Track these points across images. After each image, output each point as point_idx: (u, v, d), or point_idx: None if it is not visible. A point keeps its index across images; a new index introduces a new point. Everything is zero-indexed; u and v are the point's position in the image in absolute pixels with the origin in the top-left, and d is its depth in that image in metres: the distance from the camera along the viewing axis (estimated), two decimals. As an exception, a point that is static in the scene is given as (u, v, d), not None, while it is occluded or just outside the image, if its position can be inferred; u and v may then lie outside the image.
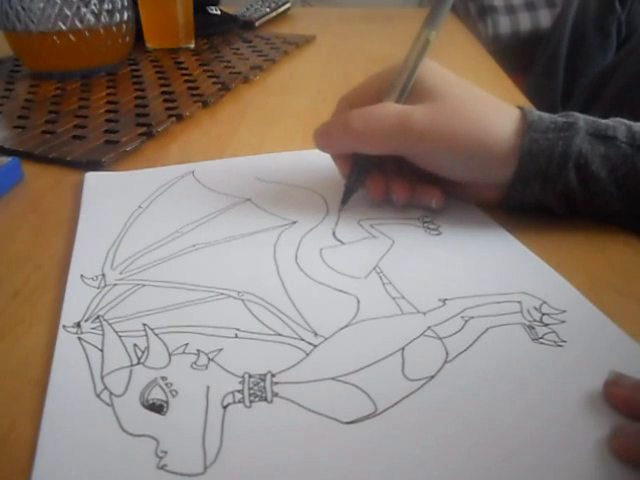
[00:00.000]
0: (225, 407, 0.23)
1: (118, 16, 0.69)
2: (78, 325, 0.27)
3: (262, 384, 0.24)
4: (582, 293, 0.29)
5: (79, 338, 0.26)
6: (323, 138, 0.37)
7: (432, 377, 0.24)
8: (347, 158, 0.38)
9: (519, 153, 0.34)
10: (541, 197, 0.35)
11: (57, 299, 0.29)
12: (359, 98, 0.37)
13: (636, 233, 0.35)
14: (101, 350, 0.26)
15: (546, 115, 0.35)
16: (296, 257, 0.33)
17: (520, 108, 0.36)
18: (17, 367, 0.25)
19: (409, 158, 0.36)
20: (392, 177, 0.38)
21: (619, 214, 0.35)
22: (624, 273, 0.32)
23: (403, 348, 0.26)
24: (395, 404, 0.23)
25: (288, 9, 1.14)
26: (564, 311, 0.28)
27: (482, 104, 0.35)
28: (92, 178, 0.42)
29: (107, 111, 0.57)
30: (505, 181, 0.35)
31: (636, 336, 0.26)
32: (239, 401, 0.23)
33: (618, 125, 0.35)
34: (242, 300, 0.29)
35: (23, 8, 0.64)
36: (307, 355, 0.25)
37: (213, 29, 0.93)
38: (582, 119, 0.35)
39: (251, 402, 0.23)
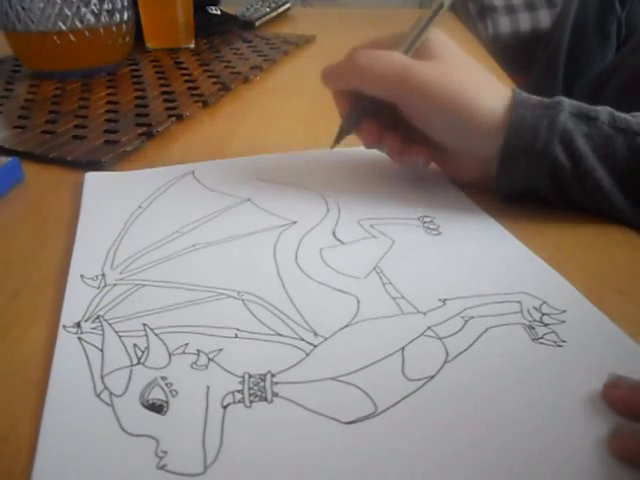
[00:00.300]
0: (225, 407, 0.23)
1: (118, 16, 0.69)
2: (78, 325, 0.27)
3: (262, 384, 0.24)
4: (582, 293, 0.29)
5: (79, 338, 0.26)
6: (329, 72, 0.39)
7: (432, 377, 0.24)
8: (348, 98, 0.39)
9: (506, 127, 0.35)
10: (529, 176, 0.36)
11: (57, 299, 0.29)
12: (371, 46, 0.39)
13: (633, 225, 0.36)
14: (101, 350, 0.26)
15: (534, 96, 0.37)
16: (296, 257, 0.33)
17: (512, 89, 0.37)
18: (17, 367, 0.25)
19: (403, 109, 0.37)
20: (386, 130, 0.39)
21: (610, 198, 0.35)
22: (624, 273, 0.32)
23: (403, 348, 0.26)
24: (395, 404, 0.23)
25: (288, 9, 1.14)
26: (564, 311, 0.28)
27: (478, 75, 0.37)
28: (92, 178, 0.42)
29: (107, 111, 0.57)
30: (490, 155, 0.36)
31: (636, 336, 0.26)
32: (239, 401, 0.23)
33: (601, 109, 0.36)
34: (242, 300, 0.29)
35: (23, 8, 0.64)
36: (307, 355, 0.25)
37: (213, 29, 0.93)
38: (567, 101, 0.36)
39: (251, 402, 0.23)
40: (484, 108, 0.35)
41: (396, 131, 0.39)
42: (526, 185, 0.36)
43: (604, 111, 0.36)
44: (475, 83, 0.36)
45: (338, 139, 0.40)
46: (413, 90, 0.36)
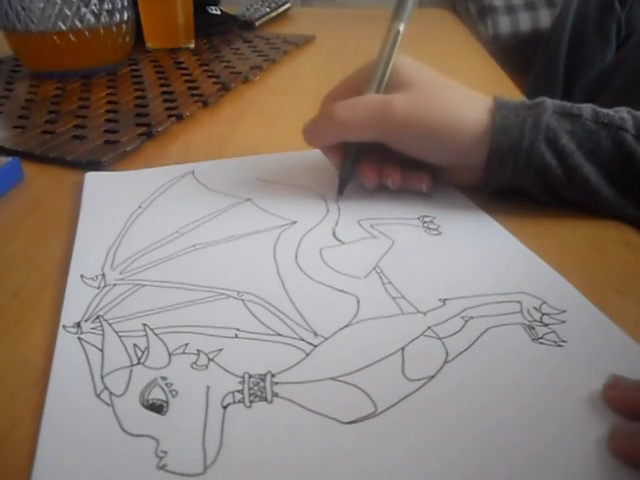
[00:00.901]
0: (225, 407, 0.23)
1: (118, 16, 0.69)
2: (78, 325, 0.27)
3: (262, 384, 0.24)
4: (582, 293, 0.29)
5: (79, 338, 0.26)
6: (311, 132, 0.40)
7: (432, 377, 0.24)
8: (337, 150, 0.40)
9: (491, 130, 0.36)
10: (517, 175, 0.36)
11: (57, 299, 0.29)
12: (342, 94, 0.39)
13: (623, 217, 0.36)
14: (101, 350, 0.26)
15: (516, 99, 0.38)
16: (296, 257, 0.33)
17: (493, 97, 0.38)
18: (17, 367, 0.25)
19: (391, 144, 0.38)
20: (383, 164, 0.40)
21: (599, 192, 0.36)
22: (624, 273, 0.32)
23: (403, 348, 0.26)
24: (395, 404, 0.23)
25: (288, 9, 1.14)
26: (564, 311, 0.28)
27: (455, 92, 0.38)
28: (92, 178, 0.42)
29: (107, 111, 0.57)
30: (481, 162, 0.37)
31: (636, 336, 0.26)
32: (239, 401, 0.23)
33: (584, 106, 0.36)
34: (242, 300, 0.29)
35: (23, 8, 0.64)
36: (307, 355, 0.25)
37: (213, 29, 0.93)
38: (549, 100, 0.37)
39: (251, 402, 0.23)
40: (467, 122, 0.36)
41: (393, 163, 0.40)
42: (513, 184, 0.37)
43: (587, 108, 0.36)
44: (454, 100, 0.37)
45: (341, 190, 0.39)
46: (397, 125, 0.36)
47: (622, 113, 0.36)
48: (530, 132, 0.35)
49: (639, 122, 0.35)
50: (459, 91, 0.38)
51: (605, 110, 0.36)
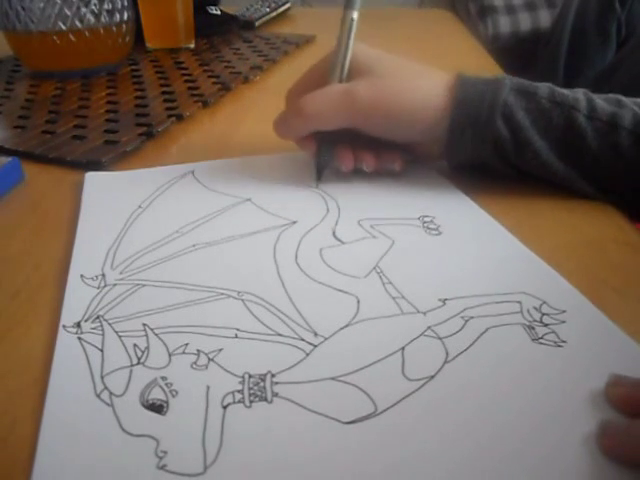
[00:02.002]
0: (225, 407, 0.23)
1: (118, 16, 0.69)
2: (78, 325, 0.27)
3: (262, 384, 0.24)
4: (582, 293, 0.29)
5: (79, 338, 0.26)
6: (281, 126, 0.42)
7: (432, 377, 0.24)
8: (310, 139, 0.41)
9: (452, 105, 0.38)
10: (475, 148, 0.38)
11: (57, 299, 0.29)
12: (305, 86, 0.41)
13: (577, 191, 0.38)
14: (101, 350, 0.26)
15: (476, 75, 0.40)
16: (296, 257, 0.33)
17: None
18: (17, 367, 0.25)
19: (360, 128, 0.40)
20: (357, 148, 0.41)
21: (549, 167, 0.38)
22: (624, 273, 0.32)
23: (403, 348, 0.26)
24: (395, 404, 0.23)
25: (288, 9, 1.14)
26: (564, 311, 0.28)
27: (413, 72, 0.40)
28: (92, 178, 0.42)
29: (107, 111, 0.57)
30: (445, 135, 0.39)
31: (636, 336, 0.26)
32: (239, 401, 0.23)
33: (540, 84, 0.38)
34: (242, 300, 0.29)
35: (23, 8, 0.64)
36: (307, 355, 0.25)
37: (213, 29, 0.92)
38: (508, 78, 0.39)
39: (251, 402, 0.23)
40: (427, 99, 0.38)
41: (366, 147, 0.41)
42: (474, 156, 0.39)
43: (543, 87, 0.38)
44: (414, 80, 0.39)
45: (319, 175, 0.41)
46: (362, 112, 0.38)
47: (577, 94, 0.38)
48: (487, 107, 0.37)
49: (591, 103, 0.37)
50: (416, 70, 0.40)
51: (561, 90, 0.38)
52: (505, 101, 0.37)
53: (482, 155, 0.39)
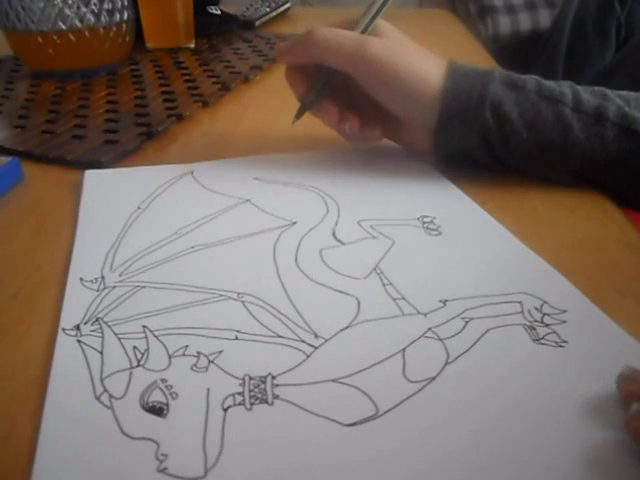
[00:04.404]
0: (225, 409, 0.23)
1: (118, 16, 0.68)
2: (77, 328, 0.27)
3: (262, 386, 0.24)
4: (583, 293, 0.29)
5: (78, 341, 0.26)
6: (289, 47, 0.42)
7: (433, 378, 0.24)
8: (302, 75, 0.42)
9: (443, 93, 0.39)
10: (461, 138, 0.40)
11: (57, 299, 0.29)
12: None
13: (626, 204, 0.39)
14: (101, 352, 0.26)
15: (468, 65, 0.41)
16: (296, 258, 0.33)
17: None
18: (17, 367, 0.25)
19: (359, 79, 0.40)
20: (343, 109, 0.42)
21: (531, 158, 0.39)
22: (625, 273, 0.32)
23: (404, 349, 0.26)
24: (396, 406, 0.23)
25: (288, 9, 1.14)
26: (565, 311, 0.28)
27: (418, 51, 0.41)
28: (92, 176, 0.42)
29: (107, 111, 0.57)
30: (432, 123, 0.40)
31: (637, 336, 0.26)
32: (239, 403, 0.23)
33: (529, 79, 0.39)
34: (242, 302, 0.29)
35: (23, 8, 0.64)
36: (307, 357, 0.25)
37: (213, 29, 0.92)
38: (498, 70, 0.40)
39: (252, 404, 0.23)
40: (428, 77, 0.39)
41: (353, 110, 0.42)
42: (460, 147, 0.40)
43: (531, 80, 0.39)
44: (417, 56, 0.40)
45: (299, 114, 0.43)
46: (369, 64, 0.39)
47: (563, 87, 0.39)
48: (477, 98, 0.38)
49: (577, 96, 0.38)
50: (422, 52, 0.41)
51: (548, 83, 0.39)
52: (494, 93, 0.38)
53: (467, 145, 0.40)
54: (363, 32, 0.41)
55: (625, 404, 0.22)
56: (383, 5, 0.41)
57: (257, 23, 1.00)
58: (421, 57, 0.40)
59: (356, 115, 0.42)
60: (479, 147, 0.40)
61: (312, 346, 0.26)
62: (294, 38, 0.42)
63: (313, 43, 0.40)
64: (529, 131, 0.38)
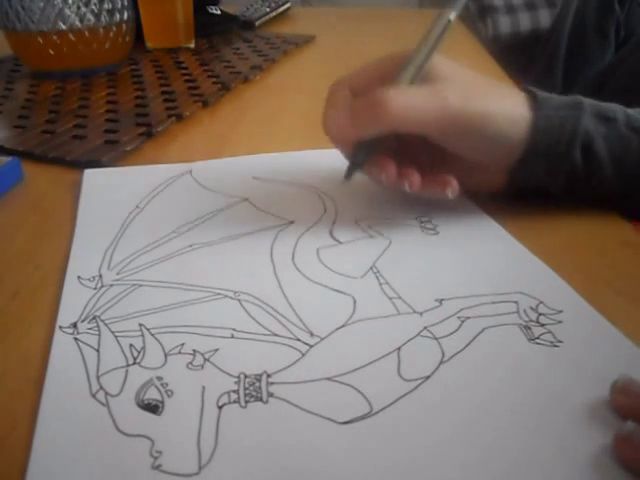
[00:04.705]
0: (220, 407, 0.23)
1: (118, 16, 0.69)
2: (74, 326, 0.27)
3: (258, 384, 0.24)
4: (581, 293, 0.29)
5: (75, 338, 0.26)
6: (349, 120, 0.34)
7: (428, 377, 0.24)
8: (347, 129, 0.35)
9: (532, 129, 0.34)
10: (546, 177, 0.36)
11: (57, 299, 0.30)
12: (362, 82, 0.36)
13: (628, 215, 0.37)
14: (97, 350, 0.26)
15: (553, 95, 0.36)
16: (293, 257, 0.33)
17: (523, 91, 0.37)
18: (17, 367, 0.25)
19: (438, 138, 0.34)
20: (399, 161, 0.35)
21: (610, 194, 0.37)
22: (622, 273, 0.32)
23: (399, 348, 0.26)
24: (390, 404, 0.23)
25: (288, 9, 1.14)
26: (561, 311, 0.28)
27: (491, 86, 0.36)
28: (91, 175, 0.42)
29: (107, 111, 0.57)
30: (513, 163, 0.36)
31: (633, 336, 0.26)
32: (234, 401, 0.23)
33: (617, 109, 0.36)
34: (238, 300, 0.29)
35: (23, 8, 0.64)
36: (303, 355, 0.25)
37: (213, 29, 0.93)
38: (586, 100, 0.36)
39: (246, 402, 0.23)
40: (514, 116, 0.34)
41: (407, 161, 0.36)
42: (540, 184, 0.36)
43: (620, 111, 0.36)
44: (497, 95, 0.35)
45: (349, 174, 0.35)
46: (452, 119, 0.33)
47: None
48: (568, 136, 0.35)
49: None
50: (495, 86, 0.36)
51: (632, 112, 0.36)
52: (586, 129, 0.35)
53: (550, 184, 0.36)
54: (414, 78, 0.34)
55: (620, 415, 0.22)
56: (438, 39, 0.35)
57: (257, 23, 1.00)
58: (501, 94, 0.36)
59: (413, 169, 0.35)
60: (559, 186, 0.36)
61: (307, 344, 0.26)
62: (356, 105, 0.34)
63: (387, 116, 0.32)
64: (615, 168, 0.35)
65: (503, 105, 0.35)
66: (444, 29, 0.35)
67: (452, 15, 0.35)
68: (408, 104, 0.33)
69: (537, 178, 0.36)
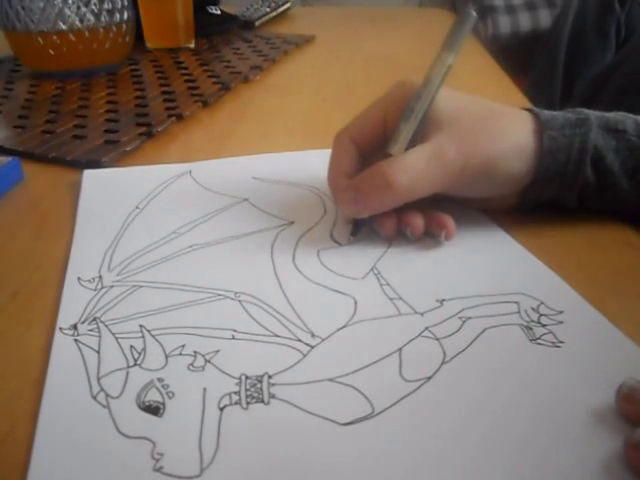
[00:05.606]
0: (222, 409, 0.23)
1: (118, 16, 0.69)
2: (75, 327, 0.27)
3: (259, 385, 0.24)
4: (582, 294, 0.29)
5: (75, 340, 0.26)
6: (359, 202, 0.33)
7: (429, 378, 0.24)
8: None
9: (539, 153, 0.34)
10: (557, 195, 0.35)
11: (57, 299, 0.29)
12: (362, 130, 0.36)
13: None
14: (98, 352, 0.26)
15: (557, 113, 0.35)
16: (293, 258, 0.33)
17: (527, 109, 0.36)
18: (17, 367, 0.25)
19: (443, 191, 0.34)
20: (401, 209, 0.34)
21: (627, 206, 0.36)
22: (623, 274, 0.32)
23: (400, 349, 0.26)
24: (392, 405, 0.23)
25: (288, 9, 1.14)
26: (562, 312, 0.28)
27: (496, 117, 0.35)
28: (90, 176, 0.42)
29: (107, 111, 0.57)
30: (523, 187, 0.35)
31: (634, 336, 0.26)
32: (236, 403, 0.23)
33: (625, 119, 0.35)
34: (239, 301, 0.29)
35: (23, 8, 0.64)
36: (304, 356, 0.25)
37: (213, 29, 0.92)
38: (591, 114, 0.35)
39: (248, 404, 0.23)
40: (520, 148, 0.34)
41: (411, 207, 0.35)
42: (552, 201, 0.36)
43: (629, 121, 0.35)
44: (500, 129, 0.34)
45: (355, 233, 0.35)
46: (452, 176, 0.33)
47: None
48: (577, 155, 0.34)
49: None
50: (499, 115, 0.35)
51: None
52: (595, 145, 0.34)
53: (562, 201, 0.36)
54: (418, 127, 0.34)
55: (626, 421, 0.22)
56: (437, 87, 0.33)
57: (257, 23, 1.00)
58: (503, 128, 0.34)
59: (416, 215, 0.34)
60: (572, 201, 0.36)
61: (309, 345, 0.26)
62: (358, 183, 0.33)
63: (395, 197, 0.33)
64: (630, 180, 0.35)
65: (507, 139, 0.34)
66: (444, 76, 0.34)
67: (451, 58, 0.34)
68: (412, 178, 0.32)
69: (549, 197, 0.36)
